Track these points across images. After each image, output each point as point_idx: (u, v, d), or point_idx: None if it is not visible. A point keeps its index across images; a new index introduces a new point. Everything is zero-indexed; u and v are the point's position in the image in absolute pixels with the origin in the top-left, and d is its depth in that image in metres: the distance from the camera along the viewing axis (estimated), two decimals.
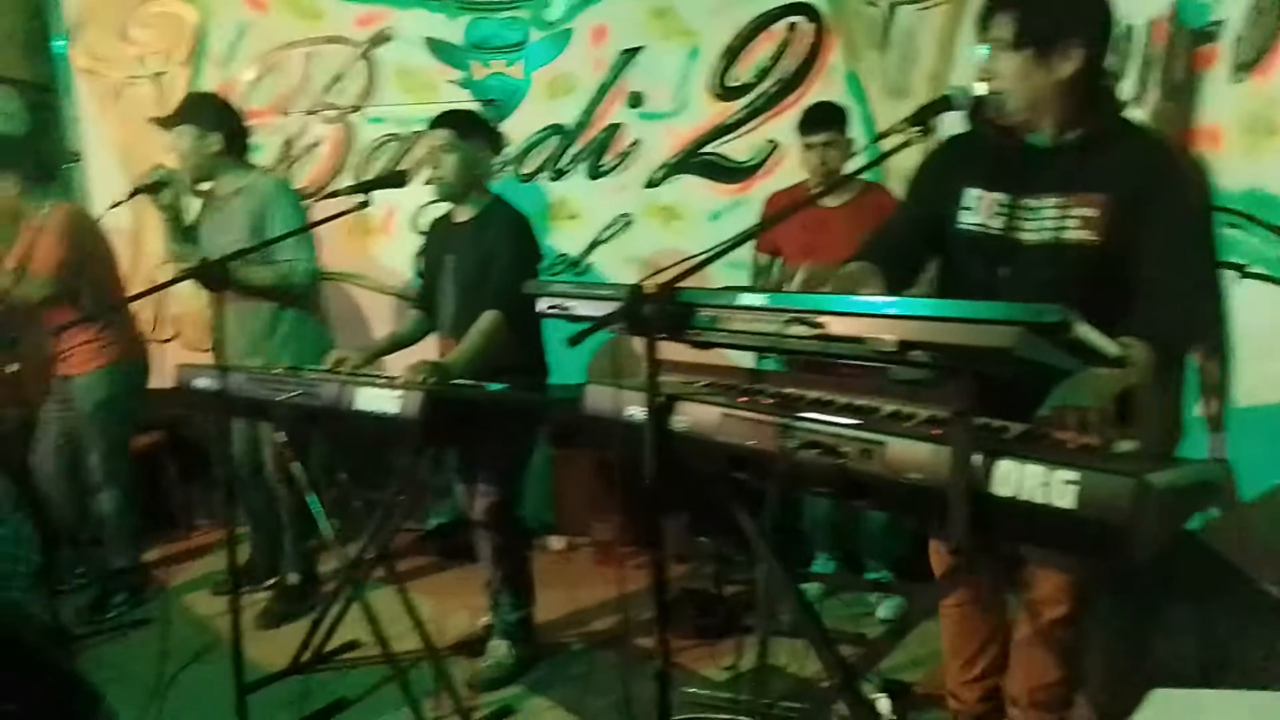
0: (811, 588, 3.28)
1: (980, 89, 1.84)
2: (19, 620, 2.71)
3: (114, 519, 3.51)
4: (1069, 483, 1.24)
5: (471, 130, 2.86)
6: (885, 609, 3.24)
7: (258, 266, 3.10)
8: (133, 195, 3.12)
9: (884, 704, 2.41)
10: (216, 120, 3.26)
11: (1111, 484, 1.21)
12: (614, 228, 4.02)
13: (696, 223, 3.90)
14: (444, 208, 3.01)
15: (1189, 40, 2.01)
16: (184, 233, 3.25)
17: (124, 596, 3.52)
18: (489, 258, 2.80)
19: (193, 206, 3.37)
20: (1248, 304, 1.77)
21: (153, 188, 3.10)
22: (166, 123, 3.28)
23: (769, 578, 1.97)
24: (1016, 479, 1.30)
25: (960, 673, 2.28)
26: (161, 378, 3.70)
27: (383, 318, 4.19)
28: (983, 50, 1.85)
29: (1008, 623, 2.27)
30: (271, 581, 3.58)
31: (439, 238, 3.02)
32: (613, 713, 2.58)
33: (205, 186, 3.35)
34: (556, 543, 4.04)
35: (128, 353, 3.56)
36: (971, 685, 2.27)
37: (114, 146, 4.47)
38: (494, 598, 2.98)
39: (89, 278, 3.43)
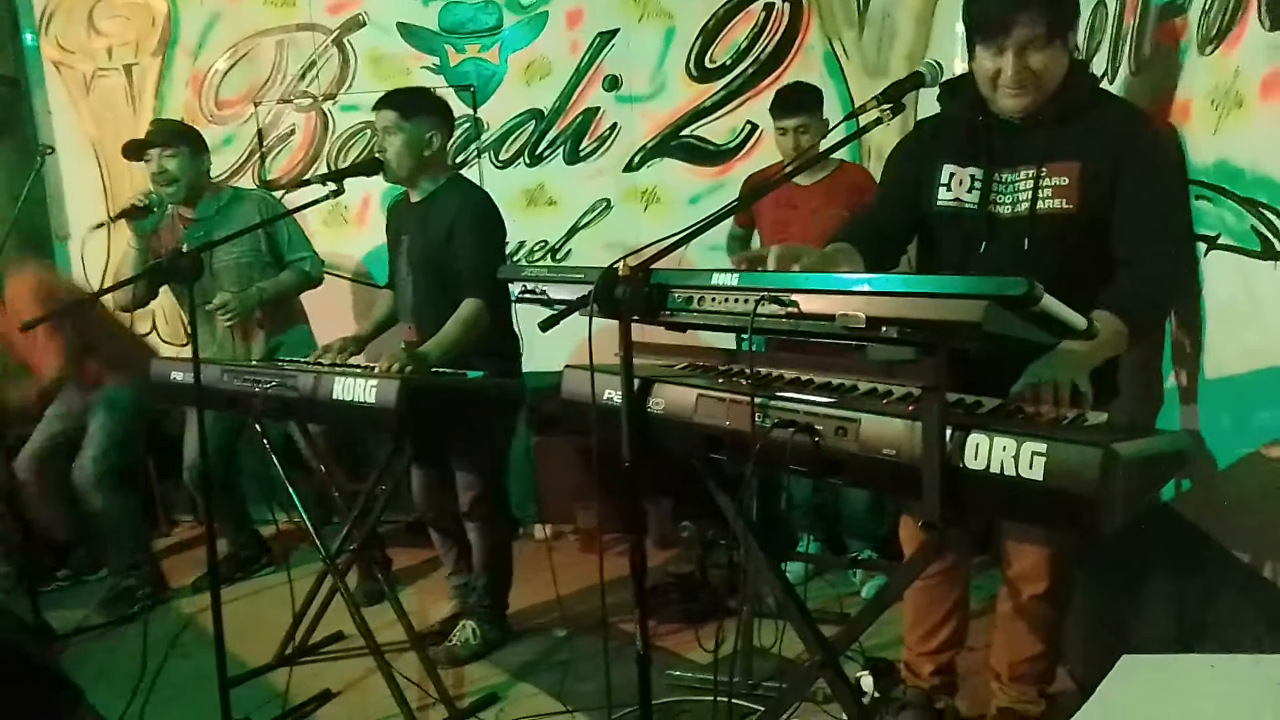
0: (796, 568, 3.29)
1: (987, 86, 1.83)
2: (1, 619, 2.70)
3: (123, 518, 3.48)
4: (1037, 454, 1.25)
5: (416, 110, 2.74)
6: (870, 589, 3.25)
7: (276, 273, 3.38)
8: (116, 219, 3.10)
9: (868, 681, 2.41)
10: (201, 143, 3.42)
11: (1079, 455, 1.21)
12: (594, 212, 4.01)
13: (677, 206, 3.90)
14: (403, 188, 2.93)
15: (1158, 14, 2.01)
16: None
17: (147, 590, 3.49)
18: (447, 238, 2.73)
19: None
20: (1216, 276, 1.78)
21: (136, 212, 3.04)
22: (150, 143, 3.30)
23: (750, 559, 1.98)
24: (987, 452, 1.31)
25: (918, 644, 2.31)
26: None
27: (355, 305, 4.17)
28: (989, 48, 1.79)
29: (968, 598, 2.30)
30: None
31: (396, 219, 2.95)
32: (596, 697, 2.58)
33: (187, 212, 3.40)
34: (540, 531, 4.04)
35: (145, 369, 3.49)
36: (927, 658, 2.30)
37: (86, 139, 4.42)
38: (470, 581, 3.00)
39: (76, 336, 3.35)
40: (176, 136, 3.35)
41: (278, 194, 3.80)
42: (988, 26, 1.79)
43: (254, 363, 2.78)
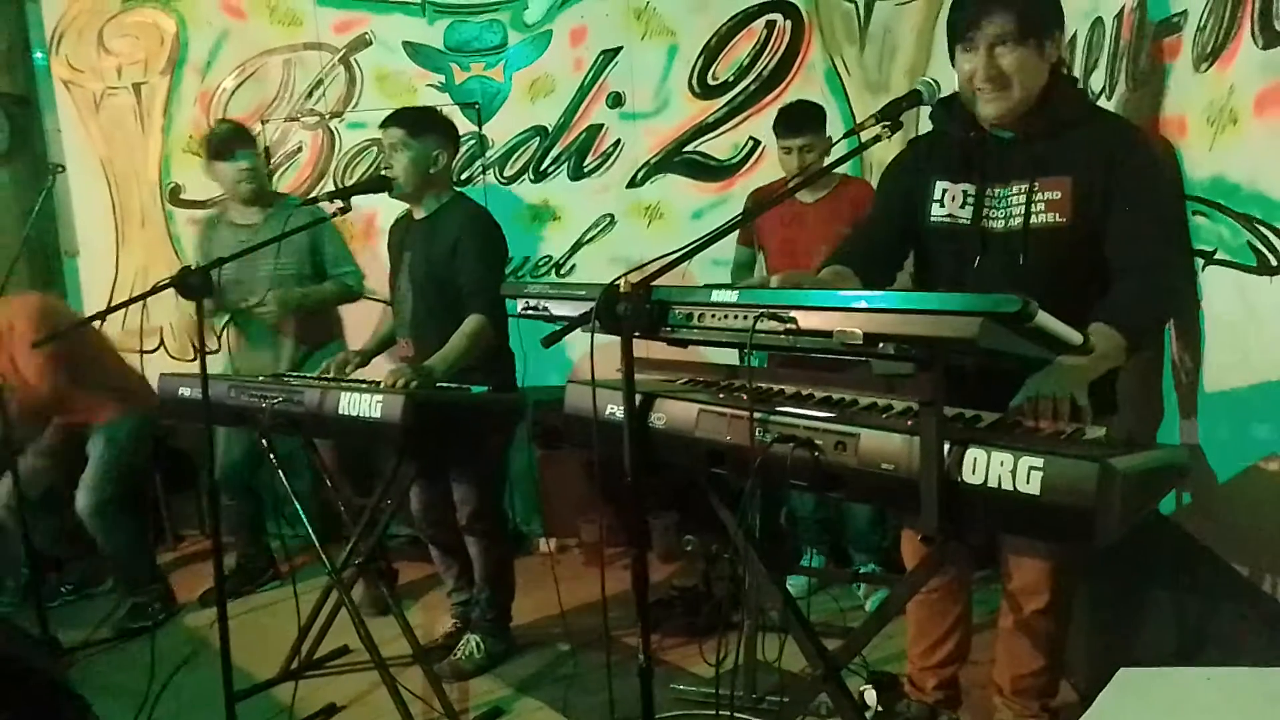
0: (800, 582, 3.30)
1: (966, 90, 1.85)
2: (8, 633, 2.71)
3: (124, 546, 3.48)
4: (1034, 469, 1.26)
5: (424, 128, 2.78)
6: (874, 602, 3.25)
7: (318, 284, 3.50)
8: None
9: (871, 695, 2.41)
10: (257, 147, 3.60)
11: (1075, 469, 1.22)
12: (598, 228, 4.04)
13: (680, 222, 3.92)
14: (407, 206, 2.94)
15: (1154, 31, 2.03)
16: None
17: (159, 606, 3.51)
18: (450, 255, 2.75)
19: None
20: (1214, 291, 1.79)
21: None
22: (240, 139, 3.48)
23: (753, 573, 1.99)
24: (984, 467, 1.32)
25: (921, 659, 2.31)
26: None
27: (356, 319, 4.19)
28: (965, 49, 1.82)
29: (970, 612, 2.30)
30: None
31: (398, 236, 2.97)
32: (600, 711, 2.59)
33: (238, 217, 3.53)
34: (544, 544, 4.05)
35: (145, 402, 3.42)
36: (930, 672, 2.30)
37: (96, 157, 4.46)
38: (472, 596, 3.02)
39: (72, 365, 3.29)
40: (242, 140, 3.52)
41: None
42: (962, 26, 1.84)
43: (261, 378, 2.80)
